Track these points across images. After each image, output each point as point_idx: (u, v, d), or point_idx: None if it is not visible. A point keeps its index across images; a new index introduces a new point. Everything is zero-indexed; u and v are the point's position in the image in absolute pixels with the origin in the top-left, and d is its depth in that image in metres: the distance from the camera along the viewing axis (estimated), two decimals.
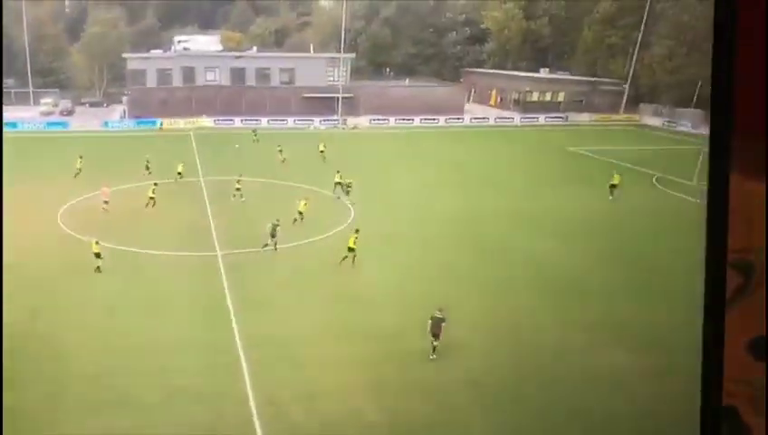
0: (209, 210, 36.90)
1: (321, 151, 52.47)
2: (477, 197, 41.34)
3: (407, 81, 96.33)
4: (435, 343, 20.22)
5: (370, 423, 16.95)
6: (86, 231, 31.34)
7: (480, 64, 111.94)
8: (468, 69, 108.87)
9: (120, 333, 21.44)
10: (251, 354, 20.13)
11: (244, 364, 19.56)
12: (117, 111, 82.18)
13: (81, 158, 44.17)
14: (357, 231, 28.49)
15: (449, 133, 73.37)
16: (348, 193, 37.34)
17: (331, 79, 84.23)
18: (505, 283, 26.66)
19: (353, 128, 74.96)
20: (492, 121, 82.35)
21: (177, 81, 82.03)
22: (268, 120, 73.58)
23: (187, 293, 25.09)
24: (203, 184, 42.93)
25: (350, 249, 27.80)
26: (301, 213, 33.83)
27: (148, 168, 43.98)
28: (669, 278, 27.52)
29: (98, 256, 26.69)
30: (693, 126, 76.54)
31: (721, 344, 4.61)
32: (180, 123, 71.76)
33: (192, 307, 23.70)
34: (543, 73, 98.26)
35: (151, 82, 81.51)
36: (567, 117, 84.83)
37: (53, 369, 18.81)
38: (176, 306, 23.68)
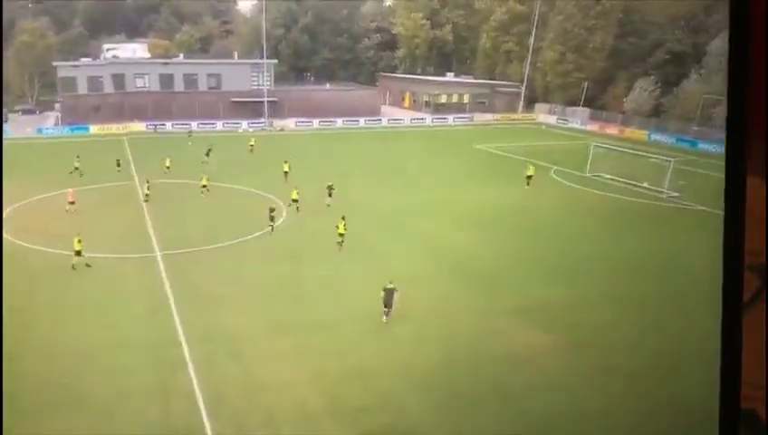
0: (146, 212, 35.41)
1: (251, 145, 55.39)
2: (400, 192, 41.43)
3: (327, 85, 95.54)
4: (385, 310, 21.43)
5: (312, 411, 16.69)
6: (26, 235, 29.71)
7: (393, 69, 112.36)
8: (383, 73, 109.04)
9: (68, 336, 20.39)
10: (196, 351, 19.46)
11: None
12: (50, 118, 77.58)
13: (78, 157, 44.13)
14: (343, 218, 29.05)
15: (369, 133, 73.26)
16: (330, 194, 36.56)
17: (256, 84, 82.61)
18: (429, 272, 26.82)
19: (280, 130, 73.62)
20: (407, 122, 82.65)
21: (108, 87, 78.54)
22: (198, 124, 71.11)
23: (131, 294, 23.99)
24: (138, 186, 41.03)
25: (341, 235, 28.67)
26: (295, 200, 35.09)
27: (119, 164, 45.47)
28: (576, 260, 28.56)
29: (78, 253, 25.64)
30: (582, 123, 79.59)
31: (739, 348, 4.37)
32: (113, 128, 68.47)
33: (136, 307, 22.69)
34: (449, 77, 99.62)
35: (83, 89, 77.70)
36: (473, 117, 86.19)
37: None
38: (121, 307, 22.63)
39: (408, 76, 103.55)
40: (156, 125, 70.61)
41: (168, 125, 70.99)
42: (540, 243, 31.46)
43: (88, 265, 25.96)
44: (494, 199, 39.92)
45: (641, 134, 69.80)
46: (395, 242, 31.20)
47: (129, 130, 68.47)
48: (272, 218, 31.85)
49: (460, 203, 38.84)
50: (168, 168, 44.70)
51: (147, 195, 37.42)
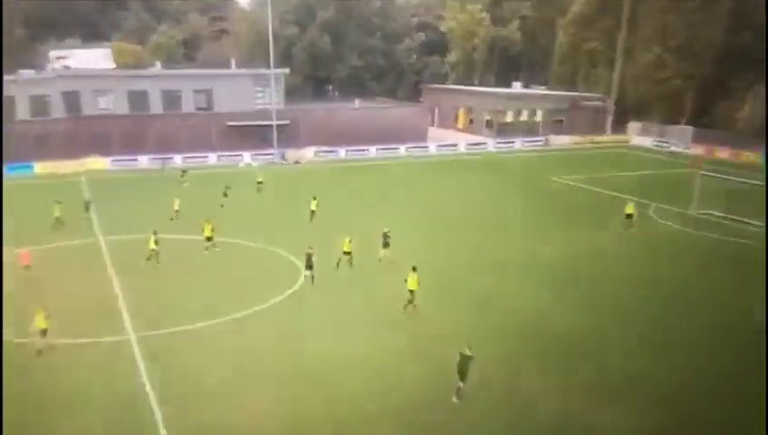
0: (115, 281, 35.05)
1: (259, 183, 58.14)
2: (459, 242, 42.72)
3: (356, 102, 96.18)
4: (460, 385, 22.39)
5: None
6: None
7: (442, 79, 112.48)
8: (429, 85, 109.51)
9: None
10: None
11: None
12: None
13: (59, 203, 45.39)
14: (414, 269, 30.48)
15: (413, 165, 74.06)
16: (387, 245, 37.13)
17: (261, 102, 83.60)
18: (495, 344, 27.35)
19: (295, 162, 74.54)
20: (462, 149, 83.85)
21: (57, 110, 78.17)
22: (183, 158, 71.21)
23: (96, 389, 23.83)
24: (103, 246, 41.24)
25: (411, 291, 30.34)
26: (347, 253, 36.33)
27: (87, 209, 48.56)
28: (685, 326, 29.71)
29: (44, 332, 26.33)
30: (685, 145, 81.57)
31: None
32: (66, 166, 67.62)
33: (103, 404, 22.69)
34: (517, 88, 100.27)
35: (23, 113, 76.55)
36: (547, 140, 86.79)
37: None
38: (87, 405, 22.63)
39: (462, 88, 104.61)
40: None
41: (143, 159, 70.95)
42: (639, 304, 32.31)
43: (48, 350, 26.26)
44: (580, 248, 41.21)
45: (759, 158, 70.75)
46: (454, 306, 32.15)
47: (87, 168, 68.06)
48: (310, 267, 33.20)
49: (537, 255, 39.96)
50: (176, 211, 46.98)
51: (153, 250, 37.27)
